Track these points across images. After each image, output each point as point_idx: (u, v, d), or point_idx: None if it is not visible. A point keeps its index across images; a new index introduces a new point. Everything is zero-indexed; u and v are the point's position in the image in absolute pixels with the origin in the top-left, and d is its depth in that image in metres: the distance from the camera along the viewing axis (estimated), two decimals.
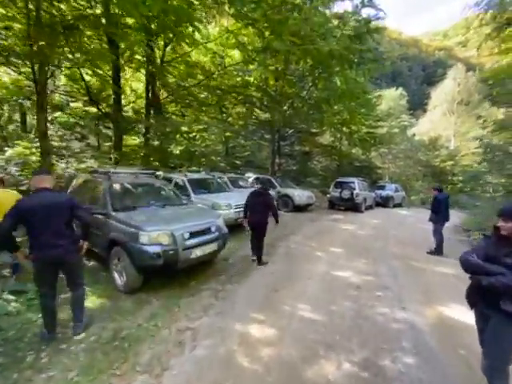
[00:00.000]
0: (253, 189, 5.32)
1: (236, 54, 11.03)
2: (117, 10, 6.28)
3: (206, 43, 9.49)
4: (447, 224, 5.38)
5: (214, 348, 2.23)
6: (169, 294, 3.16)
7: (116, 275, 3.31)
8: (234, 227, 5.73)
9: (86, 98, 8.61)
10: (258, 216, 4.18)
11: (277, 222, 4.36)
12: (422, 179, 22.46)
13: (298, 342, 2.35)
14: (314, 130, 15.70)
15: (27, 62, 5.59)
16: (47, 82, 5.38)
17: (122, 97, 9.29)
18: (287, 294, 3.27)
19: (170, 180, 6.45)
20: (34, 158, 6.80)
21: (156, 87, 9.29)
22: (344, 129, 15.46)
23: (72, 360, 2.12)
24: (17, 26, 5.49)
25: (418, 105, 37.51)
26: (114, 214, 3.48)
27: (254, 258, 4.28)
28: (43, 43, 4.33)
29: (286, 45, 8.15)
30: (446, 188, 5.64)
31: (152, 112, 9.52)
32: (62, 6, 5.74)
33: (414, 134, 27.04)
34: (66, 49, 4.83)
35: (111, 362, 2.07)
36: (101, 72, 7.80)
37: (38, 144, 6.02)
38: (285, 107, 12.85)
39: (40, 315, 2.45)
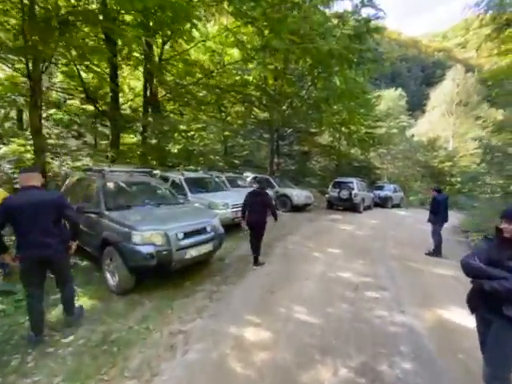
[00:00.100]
0: (251, 189, 5.26)
1: (235, 53, 10.95)
2: (114, 7, 6.20)
3: (204, 41, 9.41)
4: (446, 225, 5.33)
5: (207, 352, 2.16)
6: (162, 295, 3.09)
7: (108, 276, 3.24)
8: (231, 227, 5.67)
9: (82, 96, 8.50)
10: (256, 216, 4.15)
11: (275, 219, 4.35)
12: (420, 180, 22.47)
13: (293, 345, 2.29)
14: (312, 130, 15.66)
15: (21, 57, 5.50)
16: (41, 78, 5.27)
17: (120, 95, 9.19)
18: (283, 295, 3.21)
19: (166, 179, 6.37)
20: (28, 155, 6.70)
21: (154, 85, 9.20)
22: (343, 129, 15.41)
23: (59, 364, 2.05)
24: (11, 20, 5.40)
25: (416, 105, 37.55)
26: (106, 212, 3.40)
27: (255, 267, 4.20)
28: (36, 38, 4.22)
29: (286, 43, 8.09)
30: (444, 189, 5.60)
31: (150, 110, 9.43)
32: (59, 3, 5.64)
33: (413, 135, 27.04)
34: (60, 43, 4.72)
35: (99, 367, 1.99)
36: (98, 69, 7.71)
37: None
38: (284, 107, 12.79)
39: (28, 317, 2.37)
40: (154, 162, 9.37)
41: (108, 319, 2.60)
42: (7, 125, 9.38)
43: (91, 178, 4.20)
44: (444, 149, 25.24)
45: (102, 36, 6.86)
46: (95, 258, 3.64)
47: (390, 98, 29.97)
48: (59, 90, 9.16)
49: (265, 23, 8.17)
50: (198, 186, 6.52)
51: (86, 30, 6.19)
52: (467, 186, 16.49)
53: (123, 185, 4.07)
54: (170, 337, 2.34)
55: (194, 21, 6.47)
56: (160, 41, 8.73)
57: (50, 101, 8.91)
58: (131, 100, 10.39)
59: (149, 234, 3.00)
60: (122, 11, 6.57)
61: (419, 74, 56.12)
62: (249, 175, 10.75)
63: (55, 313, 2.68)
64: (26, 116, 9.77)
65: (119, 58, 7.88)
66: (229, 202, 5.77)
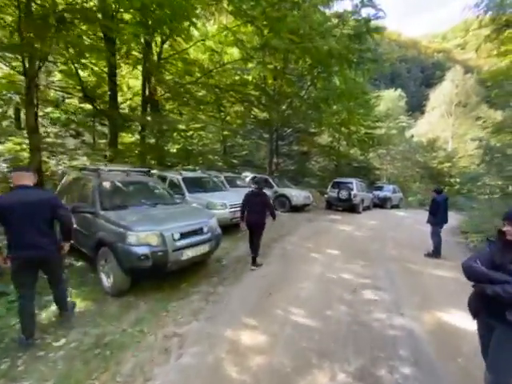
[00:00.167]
0: (249, 189, 5.21)
1: (235, 52, 10.90)
2: (113, 5, 6.14)
3: (204, 40, 9.36)
4: (445, 226, 5.29)
5: (202, 356, 2.11)
6: (158, 297, 3.04)
7: (103, 277, 3.18)
8: (228, 227, 5.61)
9: (80, 95, 8.44)
10: (255, 216, 4.14)
11: (274, 219, 4.38)
12: (419, 180, 22.49)
13: (290, 349, 2.24)
14: (312, 130, 15.62)
15: (17, 55, 5.44)
16: (37, 76, 5.20)
17: (120, 94, 9.13)
18: (281, 297, 3.16)
19: (164, 178, 6.32)
20: (25, 154, 6.64)
21: (153, 84, 9.13)
22: (342, 129, 15.38)
23: (49, 368, 1.99)
24: (7, 17, 5.33)
25: (416, 106, 37.59)
26: (102, 212, 3.35)
27: (253, 267, 4.15)
28: (31, 35, 4.16)
29: (285, 43, 8.04)
30: (443, 189, 5.54)
31: (149, 109, 9.36)
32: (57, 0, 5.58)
33: (413, 136, 27.05)
34: (56, 40, 4.65)
35: (90, 372, 1.94)
36: (96, 68, 7.66)
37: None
38: (283, 106, 12.74)
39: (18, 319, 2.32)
40: (153, 162, 9.32)
41: (102, 321, 2.55)
42: (5, 123, 9.30)
43: (87, 177, 4.14)
44: (443, 149, 25.26)
45: (101, 35, 6.81)
46: (91, 259, 3.59)
47: (389, 98, 29.98)
48: (57, 88, 9.08)
49: (264, 22, 8.13)
50: (196, 185, 6.46)
51: (83, 27, 6.14)
52: (466, 186, 16.50)
53: (119, 184, 4.01)
54: (164, 340, 2.29)
55: (194, 19, 6.42)
56: (159, 39, 8.68)
57: (47, 99, 8.85)
58: (130, 99, 10.33)
59: (144, 234, 2.95)
60: (121, 9, 6.53)
61: (419, 75, 56.19)
62: (248, 175, 10.70)
63: (47, 315, 2.62)
64: (23, 114, 9.70)
65: (118, 57, 7.81)
66: (227, 202, 5.72)
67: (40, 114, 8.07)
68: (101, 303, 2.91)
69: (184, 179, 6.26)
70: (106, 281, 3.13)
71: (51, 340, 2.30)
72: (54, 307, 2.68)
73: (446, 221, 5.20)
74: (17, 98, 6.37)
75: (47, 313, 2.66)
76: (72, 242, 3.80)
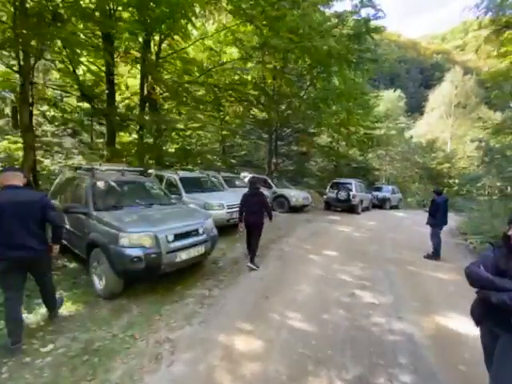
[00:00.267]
0: (247, 189, 5.14)
1: (234, 52, 10.83)
2: (111, 4, 6.07)
3: (202, 39, 9.29)
4: (444, 227, 5.23)
5: (194, 363, 2.03)
6: (151, 300, 2.96)
7: (95, 279, 3.10)
8: (226, 228, 5.54)
9: (78, 94, 8.34)
10: (254, 216, 4.14)
11: (270, 220, 4.39)
12: (418, 181, 22.49)
13: (286, 356, 2.16)
14: (311, 131, 15.55)
15: (12, 52, 5.34)
16: (31, 73, 5.11)
17: (118, 93, 9.04)
18: (278, 300, 3.09)
19: (161, 178, 6.24)
20: (20, 153, 6.54)
21: (151, 83, 9.04)
22: (342, 129, 15.33)
23: (35, 376, 1.91)
24: (0, 13, 5.24)
25: (415, 107, 37.62)
26: (95, 213, 3.27)
27: (249, 264, 4.09)
28: (24, 31, 4.08)
29: (284, 42, 7.98)
30: (443, 190, 5.45)
31: (147, 109, 9.27)
32: None
33: (412, 136, 27.05)
34: (48, 35, 4.56)
35: (77, 380, 1.86)
36: (94, 67, 7.56)
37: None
38: (282, 106, 12.67)
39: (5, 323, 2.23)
40: (151, 161, 9.23)
41: (92, 326, 2.46)
42: (1, 122, 9.19)
43: (81, 176, 4.06)
44: (442, 150, 25.29)
45: (99, 33, 6.73)
46: (84, 260, 3.50)
47: (388, 99, 29.97)
48: (54, 87, 8.98)
49: (264, 22, 8.06)
50: (194, 185, 6.38)
51: (81, 26, 6.06)
52: (465, 187, 16.49)
53: (114, 184, 3.93)
54: (155, 346, 2.21)
55: (191, 17, 6.35)
56: (157, 38, 8.60)
57: (45, 98, 8.74)
58: (128, 98, 10.23)
59: (137, 235, 2.87)
60: (119, 8, 6.46)
61: (418, 76, 56.29)
62: (246, 175, 10.62)
63: (36, 318, 2.54)
64: None
65: (116, 56, 7.72)
66: (224, 202, 5.65)
67: (37, 112, 7.99)
68: (92, 306, 2.82)
69: (181, 179, 6.18)
70: (98, 283, 3.05)
71: (39, 345, 2.22)
72: (42, 310, 2.61)
73: (445, 222, 5.14)
74: (11, 96, 6.26)
75: (36, 316, 2.57)
76: (65, 242, 3.77)
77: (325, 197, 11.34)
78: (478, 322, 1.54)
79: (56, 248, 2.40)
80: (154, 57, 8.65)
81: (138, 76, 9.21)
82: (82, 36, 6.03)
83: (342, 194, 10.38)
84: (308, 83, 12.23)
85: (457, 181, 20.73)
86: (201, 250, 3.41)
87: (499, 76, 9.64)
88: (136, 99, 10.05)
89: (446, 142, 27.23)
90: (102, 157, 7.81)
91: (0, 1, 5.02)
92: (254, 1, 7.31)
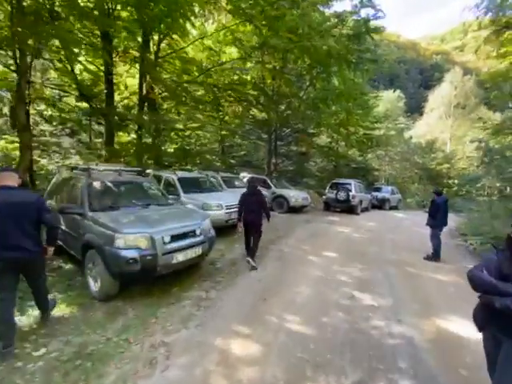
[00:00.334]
0: (245, 189, 5.11)
1: (233, 52, 10.79)
2: (109, 3, 6.03)
3: (201, 38, 9.24)
4: (444, 228, 5.19)
5: (189, 368, 1.98)
6: (147, 303, 2.90)
7: (90, 281, 3.05)
8: (224, 229, 5.50)
9: (76, 93, 8.29)
10: (252, 215, 4.15)
11: (268, 220, 4.39)
12: (418, 182, 22.48)
13: (283, 360, 2.12)
14: (311, 131, 15.52)
15: (8, 51, 5.29)
16: (29, 72, 5.07)
17: (117, 93, 8.99)
18: (276, 303, 3.04)
19: (159, 178, 6.19)
20: (17, 152, 6.48)
21: (150, 83, 8.99)
22: (341, 130, 15.30)
23: (26, 381, 1.86)
24: None
25: (415, 108, 37.62)
26: (90, 214, 3.22)
27: (249, 258, 4.09)
28: (20, 30, 4.03)
29: (284, 42, 7.95)
30: (442, 191, 5.39)
31: (146, 108, 9.22)
32: None
33: (411, 137, 27.04)
34: (44, 34, 4.51)
35: None
36: (92, 66, 7.52)
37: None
38: (282, 107, 12.63)
39: None
40: (150, 161, 9.18)
41: (86, 329, 2.42)
42: (0, 121, 9.12)
43: (77, 176, 4.00)
44: (442, 151, 25.29)
45: (98, 32, 6.69)
46: (79, 262, 3.45)
47: (388, 99, 29.96)
48: (52, 86, 8.92)
49: (263, 22, 8.03)
50: (192, 185, 6.33)
51: (79, 25, 6.01)
52: (465, 188, 16.48)
53: (110, 184, 3.88)
54: (150, 350, 2.16)
55: (190, 16, 6.31)
56: (156, 38, 8.56)
57: (43, 97, 8.69)
58: (127, 98, 10.17)
59: (133, 237, 2.82)
60: (118, 7, 6.42)
61: (417, 77, 56.33)
62: (246, 175, 10.57)
63: (28, 321, 2.49)
64: None
65: (115, 55, 7.68)
66: (223, 202, 5.60)
67: (34, 112, 7.93)
68: (87, 308, 2.78)
69: (179, 179, 6.13)
70: (94, 285, 3.00)
71: (31, 349, 2.17)
72: (35, 312, 2.56)
73: (445, 223, 5.10)
74: (8, 95, 6.21)
75: (29, 319, 2.52)
76: (61, 243, 3.71)
77: (324, 197, 11.31)
78: (480, 328, 1.49)
79: (51, 250, 2.36)
80: (152, 56, 8.59)
81: (137, 76, 9.17)
82: (79, 35, 6.01)
83: (342, 195, 10.34)
84: (307, 83, 12.19)
85: (456, 181, 20.72)
86: (198, 251, 3.36)
87: (499, 76, 9.63)
88: (135, 99, 10.01)
89: (445, 143, 27.24)
90: (101, 157, 7.76)
91: None
92: (254, 0, 7.28)
